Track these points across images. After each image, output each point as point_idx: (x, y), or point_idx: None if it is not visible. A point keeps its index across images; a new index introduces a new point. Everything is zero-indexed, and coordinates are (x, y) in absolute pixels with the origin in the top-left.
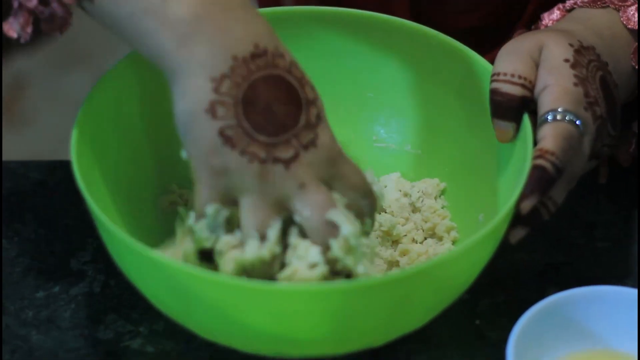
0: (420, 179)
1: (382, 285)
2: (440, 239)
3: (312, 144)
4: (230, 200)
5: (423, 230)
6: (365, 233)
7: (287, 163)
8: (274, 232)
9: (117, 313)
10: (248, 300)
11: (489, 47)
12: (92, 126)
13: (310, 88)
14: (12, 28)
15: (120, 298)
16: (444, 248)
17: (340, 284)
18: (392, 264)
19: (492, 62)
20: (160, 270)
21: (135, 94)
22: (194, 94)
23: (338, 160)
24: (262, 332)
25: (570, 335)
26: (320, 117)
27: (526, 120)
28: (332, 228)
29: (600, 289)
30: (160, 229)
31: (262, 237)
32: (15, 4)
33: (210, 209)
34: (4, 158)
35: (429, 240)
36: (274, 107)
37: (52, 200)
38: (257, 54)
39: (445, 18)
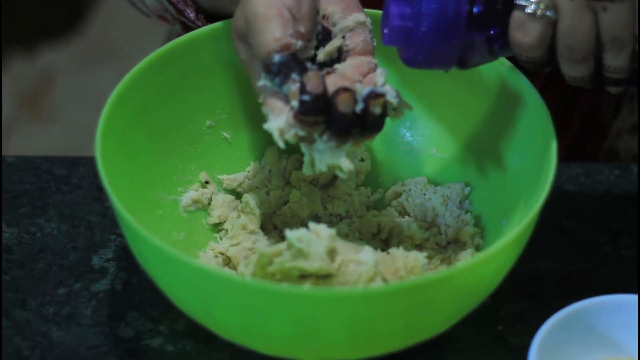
0: (444, 182)
1: (403, 291)
2: (464, 245)
3: None
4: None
5: (446, 235)
6: None
7: None
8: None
9: (138, 311)
10: (268, 303)
11: None
12: (116, 123)
13: None
14: None
15: (141, 296)
16: (467, 254)
17: (360, 289)
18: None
19: None
20: (182, 270)
21: (160, 92)
22: None
23: None
24: (281, 335)
25: (592, 343)
26: None
27: (550, 127)
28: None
29: (623, 298)
30: (183, 226)
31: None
32: None
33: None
34: (30, 153)
35: (452, 246)
36: None
37: (76, 197)
38: None
39: None
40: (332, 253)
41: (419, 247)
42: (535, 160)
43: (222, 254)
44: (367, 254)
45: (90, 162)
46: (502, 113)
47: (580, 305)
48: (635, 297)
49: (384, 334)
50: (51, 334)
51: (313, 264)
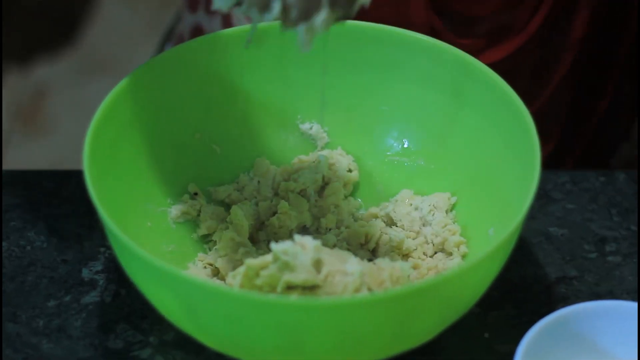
0: (432, 192)
1: (390, 300)
2: (450, 254)
3: None
4: None
5: (433, 245)
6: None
7: None
8: (276, 7)
9: (128, 323)
10: (256, 313)
11: (513, 33)
12: (105, 136)
13: None
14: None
15: (131, 308)
16: (453, 263)
17: (347, 298)
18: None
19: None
20: (170, 281)
21: (149, 104)
22: None
23: None
24: (269, 345)
25: (579, 349)
26: None
27: (533, 134)
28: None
29: (610, 304)
30: (172, 238)
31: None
32: None
33: None
34: (25, 166)
35: (439, 255)
36: None
37: (65, 210)
38: None
39: (466, 5)
40: (318, 264)
41: (406, 256)
42: (520, 169)
43: (210, 264)
44: (353, 265)
45: (80, 175)
46: (489, 123)
47: (566, 311)
48: (621, 302)
49: (370, 343)
50: (41, 346)
51: (299, 276)
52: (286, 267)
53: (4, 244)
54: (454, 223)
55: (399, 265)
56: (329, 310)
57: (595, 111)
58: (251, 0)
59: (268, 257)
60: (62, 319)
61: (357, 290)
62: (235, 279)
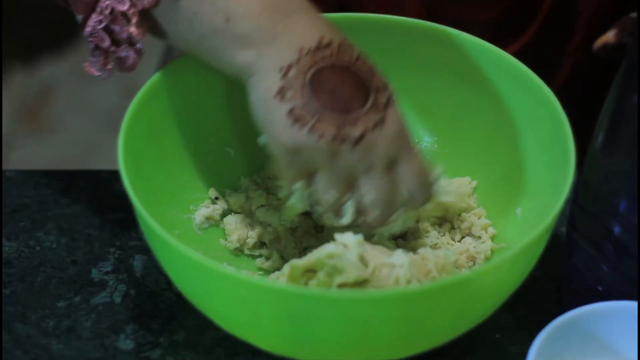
0: (450, 176)
1: (452, 286)
2: (479, 237)
3: (380, 123)
4: (312, 175)
5: (460, 230)
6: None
7: (355, 142)
8: (350, 207)
9: (138, 323)
10: (262, 298)
11: (510, 39)
12: (132, 147)
13: (378, 77)
14: (94, 67)
15: (140, 308)
16: (485, 246)
17: (416, 287)
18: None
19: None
20: (233, 286)
21: (166, 112)
22: (265, 83)
23: (404, 143)
24: (278, 335)
25: (590, 350)
26: (389, 101)
27: (557, 105)
28: (386, 220)
29: (621, 304)
30: (200, 245)
31: (337, 213)
32: (91, 45)
33: (296, 186)
34: (30, 165)
35: (467, 239)
36: (341, 91)
37: (74, 210)
38: (322, 46)
39: (462, 12)
40: (362, 259)
41: (434, 245)
42: (541, 146)
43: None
44: (400, 257)
45: (89, 175)
46: (498, 102)
47: (578, 312)
48: (633, 303)
49: (432, 331)
50: (51, 347)
51: (350, 276)
52: (335, 270)
53: (13, 244)
54: (478, 207)
55: (443, 253)
56: (398, 300)
57: (597, 113)
58: (325, 205)
59: (311, 256)
60: (71, 320)
61: (408, 281)
62: (279, 280)
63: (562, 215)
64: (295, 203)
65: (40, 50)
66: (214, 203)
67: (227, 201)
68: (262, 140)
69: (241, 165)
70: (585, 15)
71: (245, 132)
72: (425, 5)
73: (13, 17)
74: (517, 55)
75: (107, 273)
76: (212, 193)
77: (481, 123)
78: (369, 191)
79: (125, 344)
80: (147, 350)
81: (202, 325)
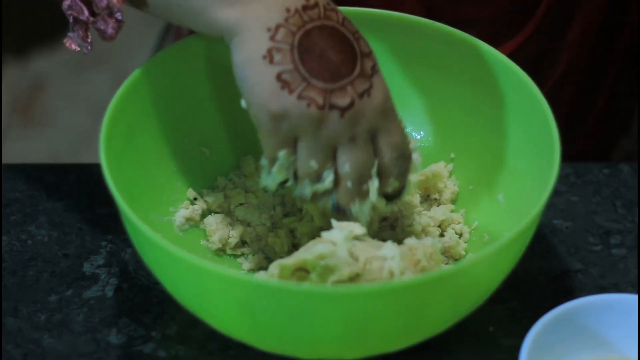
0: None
1: (448, 275)
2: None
3: (366, 92)
4: (295, 143)
5: (438, 202)
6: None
7: (343, 110)
8: (330, 175)
9: (130, 317)
10: (257, 295)
11: (504, 39)
12: (111, 153)
13: (364, 42)
14: (74, 42)
15: (133, 302)
16: (457, 216)
17: (363, 286)
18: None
19: (507, 53)
20: (229, 286)
21: (143, 114)
22: (252, 44)
23: (389, 113)
24: (275, 332)
25: (584, 342)
26: (375, 69)
27: (537, 92)
28: (363, 192)
29: (615, 297)
30: (182, 247)
31: (316, 181)
32: (70, 19)
33: (281, 154)
34: (23, 158)
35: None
36: (329, 55)
37: (66, 204)
38: (309, 6)
39: (457, 10)
40: (352, 254)
41: (423, 231)
42: (524, 130)
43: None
44: (391, 249)
45: (81, 169)
46: (484, 95)
47: (571, 304)
48: (627, 296)
49: (431, 321)
50: (43, 341)
51: (344, 273)
52: (327, 270)
53: (4, 238)
54: (454, 185)
55: (429, 241)
56: (397, 292)
57: (594, 107)
58: (304, 174)
59: (299, 254)
60: (63, 314)
61: (402, 273)
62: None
63: (555, 209)
64: (276, 172)
65: (33, 44)
66: (192, 204)
67: (205, 201)
68: (243, 104)
69: (217, 164)
70: (583, 10)
71: (220, 130)
72: (423, 2)
73: (5, 11)
74: (515, 51)
75: (98, 267)
76: (190, 194)
77: (461, 110)
78: (345, 163)
79: (118, 337)
80: (140, 344)
81: (194, 319)
